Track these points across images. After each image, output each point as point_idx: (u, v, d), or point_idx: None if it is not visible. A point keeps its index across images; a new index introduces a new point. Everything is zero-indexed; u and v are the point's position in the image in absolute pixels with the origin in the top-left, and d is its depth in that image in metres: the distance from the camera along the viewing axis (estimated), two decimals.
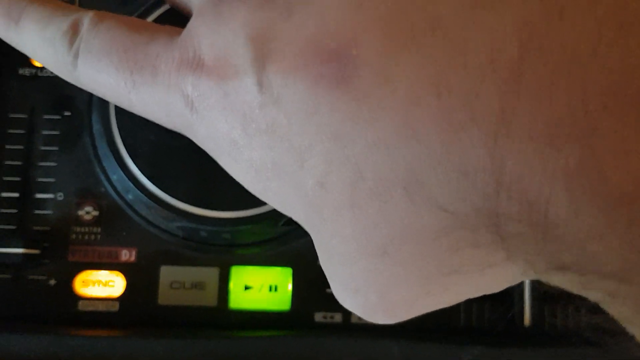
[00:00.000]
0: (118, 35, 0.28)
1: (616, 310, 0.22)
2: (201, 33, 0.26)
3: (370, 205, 0.23)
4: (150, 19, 0.42)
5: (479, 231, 0.22)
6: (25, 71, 0.45)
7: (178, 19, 0.39)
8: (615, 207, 0.19)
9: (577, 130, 0.19)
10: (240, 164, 0.26)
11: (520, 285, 0.41)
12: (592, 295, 0.22)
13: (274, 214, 0.40)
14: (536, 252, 0.22)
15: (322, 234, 0.26)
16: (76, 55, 0.28)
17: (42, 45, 0.29)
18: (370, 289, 0.25)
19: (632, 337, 0.23)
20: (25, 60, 0.44)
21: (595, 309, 0.41)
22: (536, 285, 0.41)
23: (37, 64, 0.44)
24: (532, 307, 0.41)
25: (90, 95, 0.43)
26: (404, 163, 0.22)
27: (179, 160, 0.40)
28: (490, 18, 0.21)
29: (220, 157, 0.28)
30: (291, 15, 0.24)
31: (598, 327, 0.41)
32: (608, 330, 0.40)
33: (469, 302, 0.42)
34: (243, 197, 0.38)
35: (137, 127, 0.41)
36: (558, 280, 0.23)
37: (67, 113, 0.44)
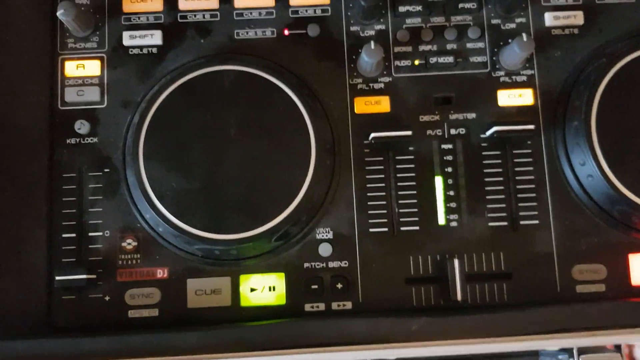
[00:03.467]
0: None
1: None
2: None
3: None
4: (165, 94, 0.56)
5: None
6: (72, 140, 0.59)
7: (191, 93, 0.54)
8: None
9: None
10: None
11: (452, 269, 0.55)
12: None
13: (268, 233, 0.54)
14: None
15: None
16: None
17: None
18: None
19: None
20: (71, 132, 0.58)
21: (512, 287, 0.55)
22: (463, 268, 0.55)
23: (81, 133, 0.58)
24: (463, 285, 0.55)
25: (124, 155, 0.57)
26: None
27: (194, 199, 0.54)
28: None
29: None
30: None
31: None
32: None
33: (417, 285, 0.56)
34: (244, 222, 0.53)
35: (162, 177, 0.55)
36: None
37: (106, 170, 0.58)
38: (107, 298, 0.57)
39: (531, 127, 0.56)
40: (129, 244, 0.57)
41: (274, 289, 0.57)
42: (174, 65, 0.59)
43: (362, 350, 0.53)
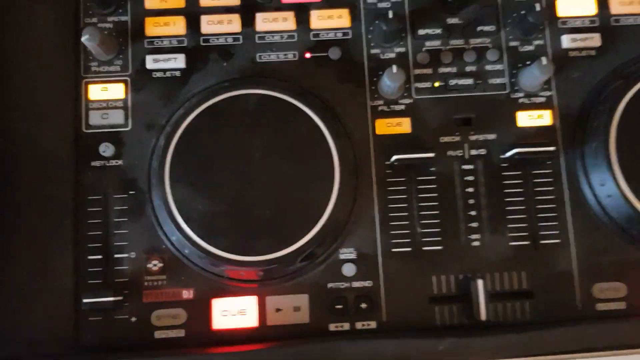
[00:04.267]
0: None
1: None
2: None
3: None
4: (190, 117, 0.57)
5: None
6: (97, 163, 0.59)
7: (215, 116, 0.55)
8: None
9: None
10: None
11: (476, 289, 0.56)
12: None
13: (294, 255, 0.55)
14: None
15: None
16: None
17: None
18: None
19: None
20: (96, 154, 0.59)
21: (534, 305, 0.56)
22: (487, 287, 0.56)
23: (106, 156, 0.59)
24: (487, 305, 0.56)
25: (149, 177, 0.58)
26: None
27: (220, 221, 0.55)
28: None
29: None
30: None
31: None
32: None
33: (441, 305, 0.57)
34: (269, 244, 0.54)
35: (188, 199, 0.55)
36: None
37: (132, 192, 0.59)
38: (133, 319, 0.57)
39: (552, 148, 0.57)
40: (155, 265, 0.58)
41: (299, 309, 0.57)
42: (198, 88, 0.60)
43: None
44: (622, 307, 0.58)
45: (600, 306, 0.58)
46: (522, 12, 0.60)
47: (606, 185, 0.57)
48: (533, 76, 0.58)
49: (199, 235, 0.55)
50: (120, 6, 0.62)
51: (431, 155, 0.57)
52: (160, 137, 0.58)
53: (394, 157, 0.58)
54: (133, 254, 0.58)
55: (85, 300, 0.56)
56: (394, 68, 0.57)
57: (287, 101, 0.58)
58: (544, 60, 0.57)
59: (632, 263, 0.58)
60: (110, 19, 0.62)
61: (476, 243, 0.58)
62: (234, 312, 0.57)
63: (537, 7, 0.59)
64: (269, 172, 0.56)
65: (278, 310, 0.57)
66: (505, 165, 0.59)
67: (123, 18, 0.62)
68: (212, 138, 0.57)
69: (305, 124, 0.57)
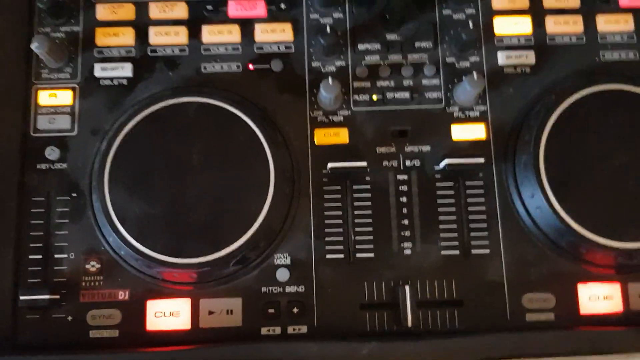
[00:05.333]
0: None
1: None
2: None
3: None
4: (132, 123, 0.59)
5: None
6: (42, 166, 0.61)
7: (156, 123, 0.56)
8: None
9: None
10: None
11: (404, 295, 0.57)
12: None
13: (227, 258, 0.56)
14: None
15: None
16: None
17: None
18: None
19: None
20: (42, 157, 0.61)
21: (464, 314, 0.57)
22: (414, 294, 0.57)
23: (51, 159, 0.61)
24: (413, 311, 0.57)
25: (90, 181, 0.60)
26: None
27: (155, 224, 0.56)
28: None
29: None
30: None
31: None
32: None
33: (372, 311, 0.58)
34: (203, 247, 0.55)
35: (126, 202, 0.57)
36: None
37: (74, 194, 0.60)
38: (69, 318, 0.58)
39: (481, 160, 0.59)
40: (93, 266, 0.59)
41: (231, 312, 0.59)
42: (143, 97, 0.62)
43: None
44: (550, 318, 0.59)
45: (530, 316, 0.59)
46: (457, 29, 0.62)
47: (535, 197, 0.58)
48: (466, 91, 0.60)
49: (134, 237, 0.56)
50: (72, 17, 0.64)
51: (364, 164, 0.59)
52: (102, 141, 0.60)
53: (329, 165, 0.59)
54: (72, 255, 0.59)
55: (22, 298, 0.57)
56: (330, 80, 0.59)
57: (226, 109, 0.59)
58: (474, 74, 0.59)
59: (561, 275, 0.59)
60: (62, 28, 0.64)
61: (408, 252, 0.60)
62: (167, 314, 0.58)
63: (470, 24, 0.61)
64: (206, 177, 0.57)
65: (211, 313, 0.59)
66: (438, 176, 0.61)
67: (75, 28, 0.64)
68: (152, 144, 0.58)
69: (243, 132, 0.59)
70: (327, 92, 0.59)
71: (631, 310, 0.59)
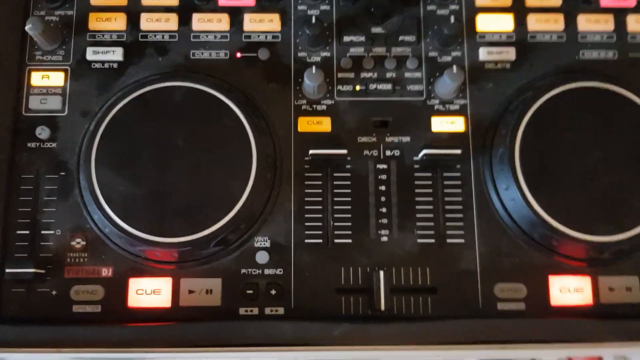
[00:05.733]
0: None
1: None
2: None
3: None
4: (120, 105, 0.60)
5: None
6: (32, 144, 0.63)
7: (144, 106, 0.58)
8: None
9: None
10: None
11: (378, 280, 0.59)
12: None
13: (207, 238, 0.58)
14: None
15: None
16: None
17: None
18: None
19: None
20: (32, 137, 0.63)
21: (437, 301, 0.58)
22: (388, 279, 0.59)
23: (42, 138, 0.62)
24: (386, 295, 0.58)
25: (79, 160, 0.61)
26: None
27: (139, 203, 0.58)
28: None
29: None
30: None
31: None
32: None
33: (347, 295, 0.60)
34: (185, 227, 0.57)
35: (111, 181, 0.59)
36: None
37: (62, 173, 0.62)
38: (54, 292, 0.60)
39: (458, 151, 0.60)
40: (78, 243, 0.61)
41: (211, 292, 0.60)
42: (132, 80, 0.64)
43: (288, 352, 0.56)
44: (521, 307, 0.60)
45: (501, 305, 0.60)
46: (440, 24, 0.64)
47: (509, 190, 0.59)
48: (446, 83, 0.62)
49: (118, 216, 0.58)
50: (67, 1, 0.66)
51: (344, 152, 0.61)
52: (91, 122, 0.61)
53: (310, 152, 0.61)
54: (59, 232, 0.61)
55: (7, 270, 0.59)
56: (313, 69, 0.61)
57: (212, 94, 0.61)
58: (454, 68, 0.61)
59: (533, 266, 0.61)
60: (57, 12, 0.66)
61: (385, 239, 0.61)
62: (148, 292, 0.60)
63: (452, 19, 0.63)
64: (190, 160, 0.59)
65: (191, 292, 0.60)
66: (417, 166, 0.62)
67: (69, 12, 0.66)
68: (139, 126, 0.60)
69: (228, 117, 0.60)
70: (311, 81, 0.61)
71: (601, 303, 0.60)
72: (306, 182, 0.62)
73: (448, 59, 0.65)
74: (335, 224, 0.61)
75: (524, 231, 0.61)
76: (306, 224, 0.61)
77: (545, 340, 0.57)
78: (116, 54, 0.64)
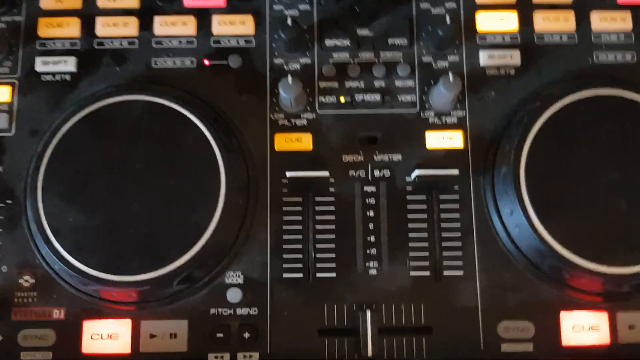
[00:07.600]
0: None
1: None
2: None
3: None
4: (70, 123, 0.53)
5: None
6: None
7: (97, 124, 0.51)
8: None
9: None
10: None
11: (365, 322, 0.52)
12: None
13: (169, 276, 0.51)
14: None
15: None
16: None
17: None
18: None
19: None
20: None
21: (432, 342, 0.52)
22: (376, 320, 0.52)
23: None
24: (374, 339, 0.52)
25: (25, 186, 0.54)
26: None
27: (92, 236, 0.52)
28: None
29: None
30: None
31: None
32: None
33: (331, 338, 0.53)
34: (144, 263, 0.50)
35: (60, 211, 0.52)
36: None
37: (8, 201, 0.56)
38: None
39: (455, 172, 0.53)
40: (27, 280, 0.54)
41: (175, 336, 0.54)
42: (86, 93, 0.57)
43: None
44: (528, 349, 0.54)
45: (506, 347, 0.54)
46: (435, 24, 0.57)
47: (514, 215, 0.53)
48: (441, 93, 0.55)
49: (67, 251, 0.52)
50: (14, 5, 0.59)
51: (326, 174, 0.54)
52: (39, 143, 0.55)
53: (288, 175, 0.54)
54: (5, 268, 0.55)
55: None
56: (289, 78, 0.54)
57: (174, 110, 0.54)
58: (450, 75, 0.54)
59: (542, 301, 0.54)
60: (3, 18, 0.60)
61: (373, 272, 0.55)
62: (105, 336, 0.53)
63: (448, 19, 0.56)
64: (150, 185, 0.53)
65: (152, 336, 0.54)
66: (410, 188, 0.56)
67: (17, 18, 0.60)
68: (92, 147, 0.54)
69: (193, 136, 0.54)
70: (286, 92, 0.54)
71: (619, 344, 0.54)
72: (284, 209, 0.56)
73: (444, 64, 0.58)
74: (318, 255, 0.55)
75: (531, 262, 0.54)
76: (284, 256, 0.55)
77: None
78: (68, 64, 0.58)
